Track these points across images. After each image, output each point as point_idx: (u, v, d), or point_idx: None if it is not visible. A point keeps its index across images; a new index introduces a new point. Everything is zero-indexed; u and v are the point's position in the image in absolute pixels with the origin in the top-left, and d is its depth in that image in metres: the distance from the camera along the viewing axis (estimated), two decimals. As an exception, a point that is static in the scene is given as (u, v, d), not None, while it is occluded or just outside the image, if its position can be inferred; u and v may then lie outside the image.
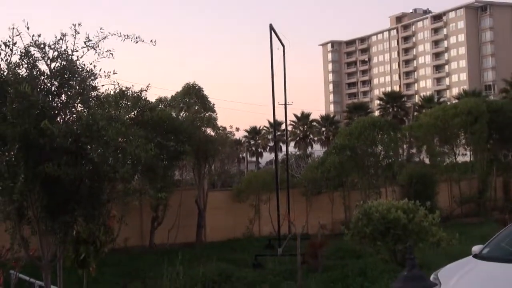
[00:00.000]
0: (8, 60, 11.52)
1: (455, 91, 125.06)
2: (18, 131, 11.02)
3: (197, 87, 28.76)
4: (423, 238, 18.39)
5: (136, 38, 12.30)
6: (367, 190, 32.39)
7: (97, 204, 12.20)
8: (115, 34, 12.03)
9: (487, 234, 21.72)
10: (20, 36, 11.43)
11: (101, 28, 11.83)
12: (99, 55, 11.86)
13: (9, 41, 11.44)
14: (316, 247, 20.20)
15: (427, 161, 39.99)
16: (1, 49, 11.51)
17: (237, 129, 29.93)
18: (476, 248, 13.13)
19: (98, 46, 11.84)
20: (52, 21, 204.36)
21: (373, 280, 17.28)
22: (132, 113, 24.31)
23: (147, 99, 24.83)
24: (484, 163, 37.17)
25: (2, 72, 11.53)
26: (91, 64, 11.99)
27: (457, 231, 20.63)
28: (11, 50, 11.50)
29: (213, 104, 28.90)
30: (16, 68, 11.52)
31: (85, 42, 11.75)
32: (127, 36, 12.22)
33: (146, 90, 24.16)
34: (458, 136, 37.47)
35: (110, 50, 11.95)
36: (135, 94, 24.00)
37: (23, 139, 11.11)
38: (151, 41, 12.57)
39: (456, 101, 59.30)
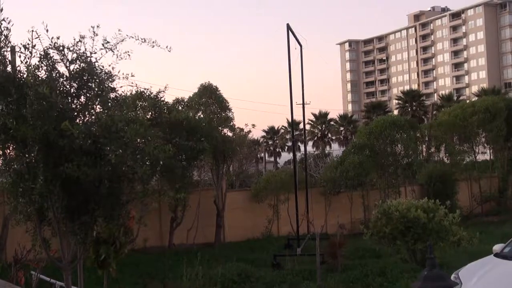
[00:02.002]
0: (28, 63, 11.61)
1: (474, 89, 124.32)
2: (38, 132, 11.09)
3: (213, 87, 28.73)
4: (443, 238, 18.30)
5: (153, 42, 12.36)
6: (386, 190, 32.26)
7: (116, 204, 12.25)
8: (132, 37, 12.08)
9: (508, 233, 21.60)
10: (39, 39, 11.52)
11: (119, 30, 11.89)
12: (117, 57, 11.92)
13: (28, 44, 11.53)
14: (335, 247, 20.16)
15: (446, 160, 39.73)
16: (21, 52, 11.62)
17: (253, 126, 29.77)
18: (497, 247, 13.09)
19: (116, 48, 11.90)
20: (70, 23, 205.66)
21: (393, 280, 17.21)
22: (150, 114, 24.40)
23: (165, 100, 24.90)
24: (505, 161, 36.88)
25: (21, 74, 11.62)
26: (109, 65, 12.05)
27: (477, 230, 20.54)
28: (31, 52, 11.59)
29: (228, 103, 28.80)
30: (36, 71, 11.59)
31: (103, 44, 11.82)
32: (144, 40, 12.26)
33: (164, 91, 24.27)
34: (477, 134, 37.21)
35: (128, 52, 12.00)
36: (153, 96, 24.08)
37: (43, 141, 11.19)
38: (167, 47, 12.65)
39: (475, 98, 58.91)
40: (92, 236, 12.46)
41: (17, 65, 11.84)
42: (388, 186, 32.55)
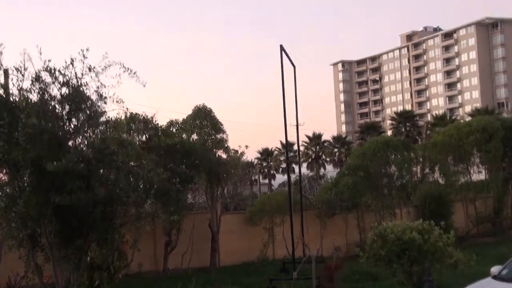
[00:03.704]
0: (20, 86, 11.56)
1: (467, 108, 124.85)
2: (30, 156, 11.01)
3: (208, 109, 28.67)
4: (439, 259, 18.15)
5: (134, 73, 12.35)
6: (382, 211, 32.11)
7: (110, 228, 12.15)
8: (118, 64, 12.09)
9: (505, 254, 21.48)
10: (31, 61, 11.49)
11: (106, 53, 11.91)
12: (102, 84, 11.92)
13: (20, 67, 11.49)
14: (332, 270, 19.99)
15: (441, 180, 39.65)
16: (13, 75, 11.58)
17: (246, 146, 29.72)
18: (495, 269, 12.99)
19: (105, 70, 11.90)
20: (62, 45, 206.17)
21: (390, 303, 17.05)
22: (144, 137, 24.33)
23: (157, 123, 24.84)
24: (500, 182, 36.79)
25: (13, 97, 11.56)
26: (99, 88, 12.04)
27: (474, 252, 20.37)
28: (23, 75, 11.55)
29: (222, 125, 28.71)
30: (28, 93, 11.54)
31: (89, 69, 11.83)
32: (127, 68, 12.27)
33: (153, 117, 24.28)
34: (472, 154, 37.14)
35: (116, 76, 12.00)
36: (146, 119, 24.03)
37: (35, 164, 11.09)
38: (142, 82, 12.68)
39: (470, 118, 59.01)
40: (85, 262, 12.34)
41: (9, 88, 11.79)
42: (383, 207, 32.40)
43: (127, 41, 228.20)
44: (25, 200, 11.21)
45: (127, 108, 13.08)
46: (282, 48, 24.85)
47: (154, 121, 24.39)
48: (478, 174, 39.54)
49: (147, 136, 24.34)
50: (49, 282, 12.61)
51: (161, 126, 25.04)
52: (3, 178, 12.02)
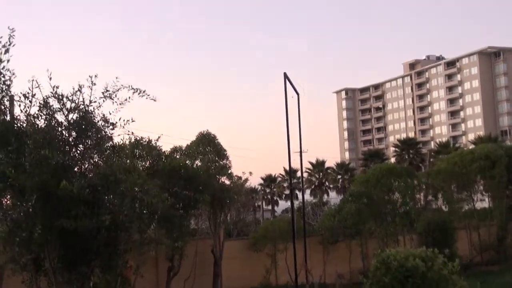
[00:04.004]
0: (27, 112, 11.67)
1: (471, 136, 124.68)
2: (36, 181, 11.07)
3: (211, 136, 28.76)
4: (443, 287, 18.09)
5: (143, 92, 12.50)
6: (385, 238, 32.02)
7: (114, 254, 12.16)
8: (126, 87, 12.21)
9: (508, 282, 21.41)
10: (39, 88, 11.61)
11: (116, 78, 12.02)
12: (117, 105, 11.99)
13: (28, 93, 11.60)
14: (335, 297, 19.92)
15: (444, 208, 39.51)
16: (21, 101, 11.69)
17: (250, 173, 29.78)
18: (498, 297, 12.96)
19: (116, 96, 12.01)
20: (69, 70, 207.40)
21: (393, 330, 16.91)
22: (148, 162, 24.35)
23: (161, 149, 24.86)
24: (503, 209, 36.67)
25: (21, 123, 11.66)
26: (107, 114, 12.12)
27: (478, 280, 20.33)
28: (30, 101, 11.66)
29: (226, 151, 28.75)
30: (35, 119, 11.64)
31: (103, 93, 11.92)
32: (136, 89, 12.40)
33: (157, 141, 24.27)
34: (475, 181, 37.10)
35: (124, 101, 12.11)
36: (150, 144, 24.04)
37: (41, 189, 11.15)
38: (153, 98, 12.81)
39: (473, 146, 58.95)
40: (89, 287, 12.33)
41: (17, 114, 11.90)
42: (387, 234, 32.30)
43: (134, 65, 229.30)
44: (30, 224, 11.25)
45: (132, 133, 13.19)
46: (285, 76, 25.03)
47: (158, 146, 24.42)
48: (482, 202, 39.43)
49: (151, 162, 24.36)
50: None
51: (164, 152, 25.08)
52: (8, 202, 12.08)
